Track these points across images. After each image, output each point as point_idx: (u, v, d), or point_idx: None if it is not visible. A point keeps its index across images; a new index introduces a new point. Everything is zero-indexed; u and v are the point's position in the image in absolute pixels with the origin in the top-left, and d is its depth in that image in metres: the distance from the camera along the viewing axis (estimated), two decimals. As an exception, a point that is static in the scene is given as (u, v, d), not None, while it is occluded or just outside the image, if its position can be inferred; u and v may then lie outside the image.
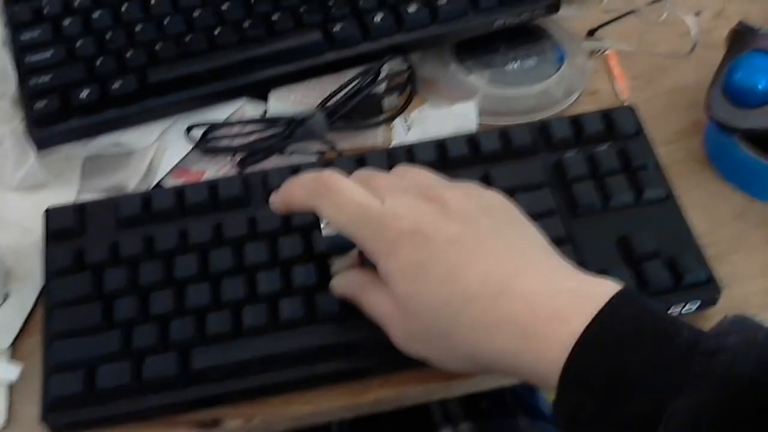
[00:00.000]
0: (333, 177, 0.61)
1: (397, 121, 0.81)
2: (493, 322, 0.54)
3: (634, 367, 0.50)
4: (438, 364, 0.60)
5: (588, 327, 0.51)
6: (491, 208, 0.60)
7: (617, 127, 0.75)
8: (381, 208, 0.59)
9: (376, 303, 0.60)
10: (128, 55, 0.80)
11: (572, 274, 0.56)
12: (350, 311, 0.65)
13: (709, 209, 0.75)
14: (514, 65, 0.84)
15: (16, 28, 0.83)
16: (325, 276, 0.67)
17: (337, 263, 0.65)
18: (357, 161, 0.73)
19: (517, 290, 0.54)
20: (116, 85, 0.78)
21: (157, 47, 0.80)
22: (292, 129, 0.78)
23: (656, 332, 0.51)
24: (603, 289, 0.53)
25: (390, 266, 0.57)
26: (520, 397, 0.92)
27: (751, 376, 0.47)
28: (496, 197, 0.61)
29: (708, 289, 0.67)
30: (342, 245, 0.63)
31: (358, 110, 0.80)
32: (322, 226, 0.63)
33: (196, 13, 0.82)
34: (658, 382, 0.49)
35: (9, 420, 0.66)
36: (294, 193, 0.62)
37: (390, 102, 0.82)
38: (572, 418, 0.52)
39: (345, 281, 0.64)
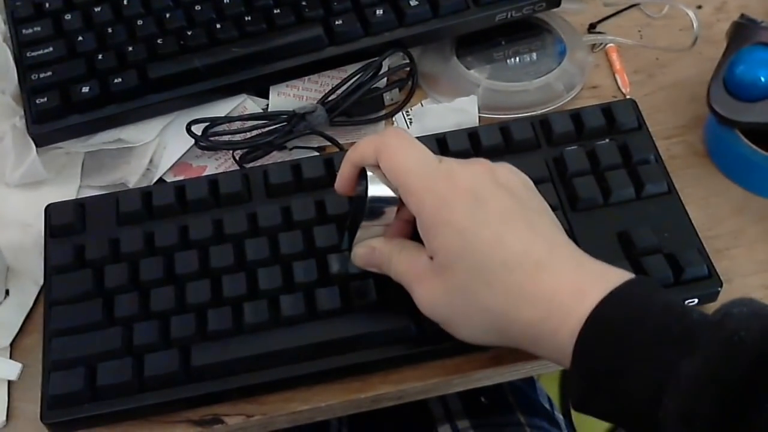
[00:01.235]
0: (397, 133, 0.63)
1: (398, 116, 0.82)
2: (527, 293, 0.57)
3: (645, 334, 0.53)
4: (456, 328, 0.61)
5: (604, 299, 0.54)
6: (531, 189, 0.63)
7: (618, 122, 0.75)
8: (439, 164, 0.61)
9: (407, 262, 0.62)
10: (129, 50, 0.80)
11: (593, 259, 0.59)
12: (350, 308, 0.65)
13: (709, 204, 0.74)
14: (515, 60, 0.84)
15: (16, 23, 0.83)
16: (325, 273, 0.67)
17: (361, 233, 0.65)
18: (357, 157, 0.73)
19: (551, 266, 0.57)
20: (117, 81, 0.78)
21: (157, 43, 0.80)
22: (293, 124, 0.78)
23: (667, 308, 0.54)
24: (622, 273, 0.57)
25: (440, 218, 0.59)
26: (518, 393, 0.93)
27: (754, 343, 0.49)
28: (530, 181, 0.64)
29: (708, 284, 0.67)
30: (379, 209, 0.63)
31: (359, 105, 0.80)
32: (369, 186, 0.62)
33: (196, 9, 0.82)
34: (667, 347, 0.52)
35: (9, 418, 0.66)
36: (357, 151, 0.63)
37: (391, 97, 0.82)
38: (586, 383, 0.54)
39: (369, 248, 0.64)
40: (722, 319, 0.52)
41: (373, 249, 0.64)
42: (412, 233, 0.63)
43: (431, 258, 0.60)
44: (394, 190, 0.61)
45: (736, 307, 0.53)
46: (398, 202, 0.62)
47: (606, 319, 0.54)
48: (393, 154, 0.61)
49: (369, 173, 0.62)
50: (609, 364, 0.53)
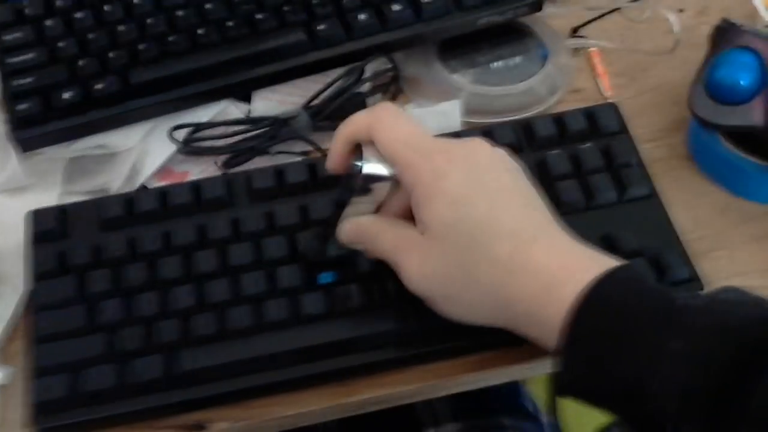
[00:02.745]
0: (390, 108, 0.63)
1: (381, 121, 0.81)
2: (519, 266, 0.57)
3: (635, 316, 0.54)
4: (444, 304, 0.61)
5: (597, 279, 0.55)
6: (524, 174, 0.63)
7: (600, 125, 0.75)
8: (435, 138, 0.62)
9: (396, 236, 0.62)
10: (111, 55, 0.80)
11: (585, 243, 0.60)
12: (335, 312, 0.65)
13: (691, 206, 0.75)
14: (498, 64, 0.84)
15: (-3, 29, 0.83)
16: (310, 278, 0.67)
17: (350, 209, 0.64)
18: (341, 161, 0.73)
19: (544, 243, 0.58)
20: (99, 86, 0.78)
21: (139, 48, 0.80)
22: (276, 129, 0.78)
23: (657, 292, 0.55)
24: (613, 259, 0.58)
25: (435, 189, 0.59)
26: (505, 396, 0.93)
27: (738, 328, 0.51)
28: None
29: (690, 287, 0.67)
30: (372, 185, 0.62)
31: (342, 110, 0.80)
32: (362, 163, 0.62)
33: (178, 14, 0.82)
34: (656, 330, 0.53)
35: (-4, 424, 0.66)
36: (350, 127, 0.63)
37: (374, 101, 0.82)
38: (575, 362, 0.55)
39: (356, 224, 0.64)
40: (709, 304, 0.53)
41: (360, 224, 0.64)
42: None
43: (422, 234, 0.60)
44: (387, 167, 0.61)
45: (722, 293, 0.55)
46: (391, 179, 0.62)
47: (598, 300, 0.54)
48: (388, 128, 0.61)
49: (363, 148, 0.62)
50: (599, 344, 0.54)
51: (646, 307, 0.54)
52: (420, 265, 0.60)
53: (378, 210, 0.65)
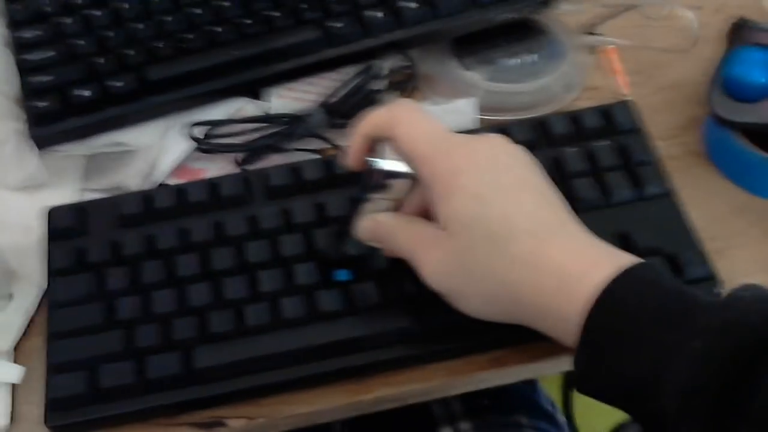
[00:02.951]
0: (409, 104, 0.64)
1: (397, 118, 0.82)
2: (538, 261, 0.57)
3: (653, 313, 0.54)
4: (462, 299, 0.61)
5: (616, 276, 0.55)
6: (543, 171, 0.63)
7: (616, 123, 0.75)
8: (454, 134, 0.62)
9: (414, 233, 0.62)
10: (128, 53, 0.80)
11: (603, 241, 0.60)
12: (351, 310, 0.65)
13: (707, 205, 0.75)
14: (513, 61, 0.84)
15: (16, 27, 0.83)
16: (326, 275, 0.67)
17: (368, 207, 0.65)
18: (357, 159, 0.73)
19: (563, 239, 0.59)
20: (116, 83, 0.78)
21: (156, 45, 0.80)
22: (292, 127, 0.78)
23: (675, 290, 0.55)
24: (632, 256, 0.58)
25: (454, 184, 0.59)
26: (520, 395, 0.93)
27: (757, 326, 0.50)
28: None
29: (707, 285, 0.67)
30: (390, 182, 0.63)
31: (358, 108, 0.80)
32: (380, 160, 0.62)
33: (195, 11, 0.82)
34: (673, 327, 0.53)
35: (12, 420, 0.66)
36: (369, 123, 0.63)
37: (390, 99, 0.82)
38: (592, 359, 0.55)
39: (374, 221, 0.65)
40: (728, 302, 0.53)
41: (378, 222, 0.64)
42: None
43: (441, 230, 0.60)
44: (406, 163, 0.61)
45: (741, 291, 0.54)
46: (409, 176, 0.62)
47: (617, 296, 0.54)
48: (407, 124, 0.61)
49: (382, 144, 0.62)
50: (616, 340, 0.54)
51: (664, 306, 0.54)
52: (438, 260, 0.60)
53: (396, 208, 0.65)
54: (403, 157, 0.61)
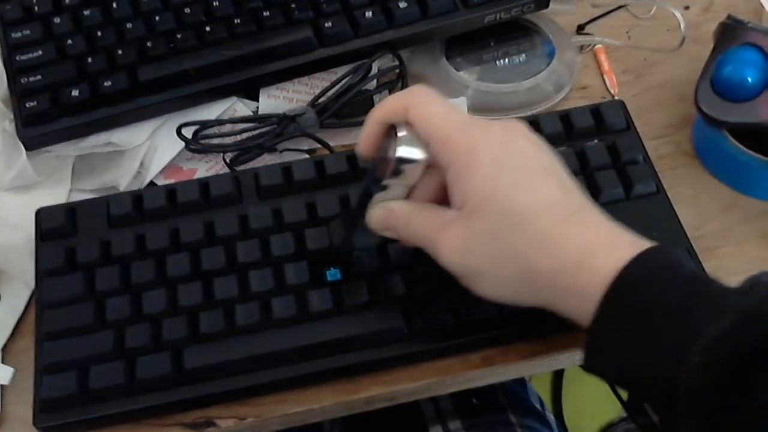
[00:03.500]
0: (426, 89, 0.63)
1: (388, 118, 0.82)
2: (557, 239, 0.57)
3: (675, 295, 0.53)
4: (479, 280, 0.60)
5: (638, 256, 0.55)
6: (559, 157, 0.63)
7: (607, 122, 0.75)
8: (472, 117, 0.62)
9: (428, 219, 0.61)
10: (119, 53, 0.80)
11: (619, 224, 0.60)
12: (342, 309, 0.65)
13: (697, 203, 0.75)
14: (504, 61, 0.84)
15: (6, 26, 0.83)
16: (317, 275, 0.67)
17: (380, 195, 0.63)
18: (348, 158, 0.73)
19: (581, 218, 0.58)
20: (107, 83, 0.78)
21: (147, 45, 0.80)
22: (283, 127, 0.78)
23: (697, 274, 0.55)
24: (648, 241, 0.57)
25: (473, 162, 0.58)
26: (510, 393, 0.93)
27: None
28: None
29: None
30: (405, 167, 0.61)
31: (349, 107, 0.81)
32: (398, 141, 0.61)
33: (186, 11, 0.82)
34: (696, 309, 0.52)
35: (1, 421, 0.66)
36: (384, 108, 0.63)
37: (381, 99, 0.82)
38: (609, 337, 0.55)
39: (387, 210, 0.63)
40: (752, 287, 0.53)
41: (391, 210, 0.63)
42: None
43: (458, 210, 0.59)
44: (422, 149, 0.61)
45: (764, 276, 0.55)
46: (423, 162, 0.61)
47: (638, 275, 0.54)
48: (423, 105, 0.61)
49: (399, 128, 0.61)
50: (637, 320, 0.53)
51: (687, 288, 0.54)
52: (456, 240, 0.60)
53: (407, 197, 0.64)
54: (421, 137, 0.61)
